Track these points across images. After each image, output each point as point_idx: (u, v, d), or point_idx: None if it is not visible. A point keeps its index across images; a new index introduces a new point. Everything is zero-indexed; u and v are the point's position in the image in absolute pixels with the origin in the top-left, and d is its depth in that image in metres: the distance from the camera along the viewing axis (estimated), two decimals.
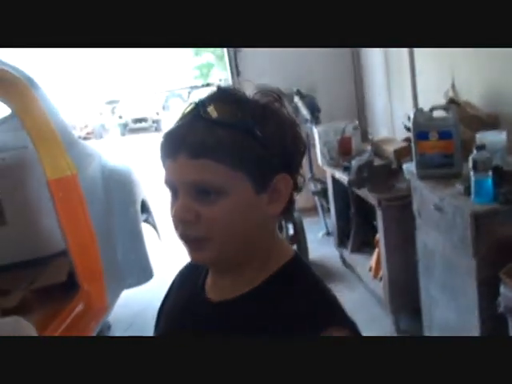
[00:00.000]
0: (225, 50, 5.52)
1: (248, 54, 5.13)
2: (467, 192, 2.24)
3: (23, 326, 2.46)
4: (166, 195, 0.90)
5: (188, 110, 0.87)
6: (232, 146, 0.82)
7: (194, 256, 0.89)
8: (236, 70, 5.26)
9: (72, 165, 2.88)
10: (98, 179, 3.38)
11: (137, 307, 4.08)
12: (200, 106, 0.85)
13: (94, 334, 3.21)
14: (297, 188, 0.92)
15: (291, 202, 0.92)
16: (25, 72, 2.99)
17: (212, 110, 0.83)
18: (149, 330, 3.65)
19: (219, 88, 0.88)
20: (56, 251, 3.21)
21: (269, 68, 4.88)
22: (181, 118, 0.87)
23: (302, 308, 0.85)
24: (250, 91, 0.89)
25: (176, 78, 23.88)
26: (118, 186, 3.55)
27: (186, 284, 1.03)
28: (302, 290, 0.88)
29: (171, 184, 0.87)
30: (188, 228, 0.85)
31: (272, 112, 0.87)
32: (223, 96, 0.86)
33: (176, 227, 0.87)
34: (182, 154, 0.83)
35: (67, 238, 2.88)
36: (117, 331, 3.79)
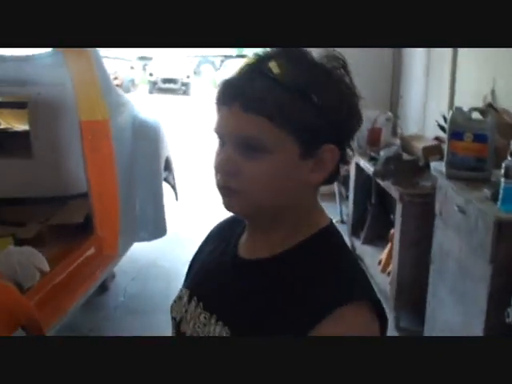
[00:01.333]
0: None
1: None
2: (494, 198, 2.23)
3: (37, 259, 2.52)
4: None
5: (249, 61, 0.86)
6: (287, 107, 0.81)
7: (226, 203, 0.88)
8: None
9: (106, 110, 2.89)
10: (128, 129, 3.39)
11: (143, 262, 4.14)
12: (262, 59, 0.84)
13: (100, 280, 3.27)
14: (344, 161, 0.91)
15: (336, 173, 0.91)
16: None
17: (274, 67, 0.82)
18: (150, 286, 3.69)
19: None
20: (77, 192, 3.24)
21: None
22: (241, 69, 0.86)
23: (329, 277, 0.85)
24: (315, 54, 0.87)
25: None
26: (146, 139, 3.56)
27: (222, 238, 1.03)
28: (333, 258, 0.88)
29: (219, 133, 0.87)
30: (227, 179, 0.85)
31: (334, 80, 0.86)
32: (288, 54, 0.85)
33: (216, 175, 0.88)
34: (237, 104, 0.82)
35: (90, 181, 2.91)
36: (120, 282, 3.85)
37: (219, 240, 1.04)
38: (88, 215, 3.08)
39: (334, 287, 0.84)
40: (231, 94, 0.84)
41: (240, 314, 0.89)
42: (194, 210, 5.34)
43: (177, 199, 4.22)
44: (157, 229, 3.67)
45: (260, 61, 0.84)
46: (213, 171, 0.89)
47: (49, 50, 3.40)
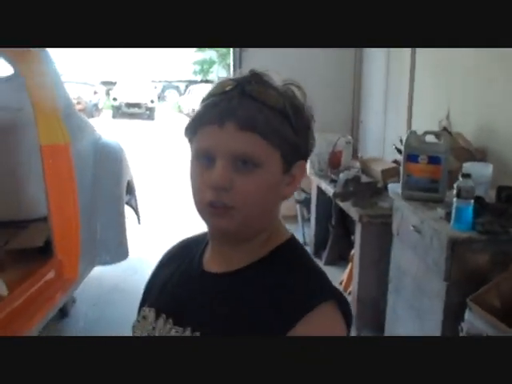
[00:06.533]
0: (231, 48, 5.58)
1: (253, 55, 5.18)
2: (447, 218, 2.31)
3: None
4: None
5: (227, 85, 0.92)
6: (274, 125, 0.90)
7: (218, 223, 0.92)
8: (239, 70, 5.31)
9: (66, 134, 2.89)
10: (89, 153, 3.38)
11: (105, 287, 4.08)
12: (240, 84, 0.91)
13: (60, 305, 3.22)
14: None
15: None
16: None
17: (255, 91, 0.91)
18: (111, 311, 3.61)
19: (258, 72, 0.94)
20: (37, 216, 3.20)
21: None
22: (221, 92, 0.92)
23: (300, 282, 0.92)
24: (277, 79, 0.95)
25: (175, 70, 23.85)
26: (108, 163, 3.55)
27: (180, 260, 1.06)
28: (301, 266, 0.96)
29: (208, 151, 0.90)
30: (219, 195, 0.89)
31: (301, 104, 0.95)
32: (259, 80, 0.93)
33: (201, 194, 0.91)
34: (231, 123, 0.88)
35: (50, 205, 2.88)
36: (81, 308, 3.79)
37: (180, 260, 1.07)
38: (48, 239, 3.04)
39: (303, 292, 0.90)
40: (223, 114, 0.89)
41: (215, 324, 0.92)
42: (156, 234, 5.32)
43: (139, 222, 4.20)
44: (118, 252, 3.64)
45: (239, 85, 0.91)
46: (197, 190, 0.92)
47: (8, 73, 3.40)
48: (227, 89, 0.92)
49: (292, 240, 1.00)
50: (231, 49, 5.57)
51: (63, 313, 3.51)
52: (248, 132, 0.88)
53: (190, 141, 0.95)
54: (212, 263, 0.99)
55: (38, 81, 2.79)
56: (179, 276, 1.04)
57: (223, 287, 0.96)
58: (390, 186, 3.14)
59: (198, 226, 1.06)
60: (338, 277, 3.91)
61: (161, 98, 23.16)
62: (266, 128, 0.89)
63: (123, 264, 3.83)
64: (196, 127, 0.92)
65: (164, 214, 5.85)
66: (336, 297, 0.92)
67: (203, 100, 0.95)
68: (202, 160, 0.91)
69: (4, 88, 3.42)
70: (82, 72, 21.06)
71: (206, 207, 0.91)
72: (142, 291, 1.13)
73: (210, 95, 0.94)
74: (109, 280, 4.14)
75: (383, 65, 4.75)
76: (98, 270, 3.76)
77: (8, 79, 3.44)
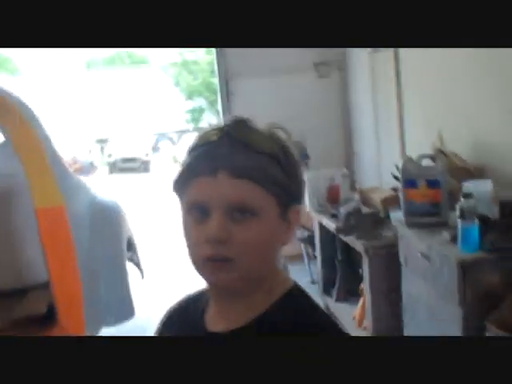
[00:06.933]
0: (218, 95, 5.60)
1: (241, 100, 5.21)
2: (454, 240, 2.26)
3: None
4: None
5: (213, 134, 0.89)
6: (269, 171, 0.87)
7: (218, 277, 0.87)
8: (229, 116, 5.33)
9: (61, 196, 2.87)
10: (86, 213, 3.36)
11: None
12: (226, 131, 0.88)
13: None
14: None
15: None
16: (22, 100, 3.00)
17: (247, 138, 0.87)
18: None
19: (242, 119, 0.91)
20: (37, 282, 3.15)
21: (260, 115, 4.93)
22: (208, 142, 0.88)
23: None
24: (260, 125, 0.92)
25: (167, 121, 24.15)
26: (105, 221, 3.53)
27: (184, 321, 1.01)
28: (309, 315, 0.91)
29: (202, 203, 0.86)
30: (217, 248, 0.85)
31: (288, 147, 0.92)
32: (250, 126, 0.90)
33: (198, 249, 0.87)
34: (223, 172, 0.85)
35: (50, 270, 2.84)
36: None
37: (181, 324, 1.01)
38: (50, 305, 2.98)
39: None
40: (214, 163, 0.86)
41: None
42: (163, 290, 5.23)
43: (142, 277, 4.14)
44: (124, 311, 3.57)
45: (226, 133, 0.88)
46: (193, 245, 0.88)
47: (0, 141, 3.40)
48: (214, 138, 0.88)
49: (297, 287, 0.95)
50: (219, 96, 5.59)
51: None
52: (242, 179, 0.85)
53: (180, 195, 0.91)
54: (216, 321, 0.94)
55: (27, 145, 2.79)
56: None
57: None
58: (393, 214, 3.10)
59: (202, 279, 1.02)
60: (350, 312, 3.82)
61: (155, 149, 23.32)
62: (259, 174, 0.86)
63: (131, 324, 3.74)
64: (186, 180, 0.88)
65: (169, 269, 5.77)
66: None
67: (190, 151, 0.91)
68: (196, 213, 0.87)
69: None
70: (74, 132, 21.30)
71: (204, 262, 0.87)
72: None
73: (197, 146, 0.90)
74: None
75: (369, 91, 4.77)
76: (104, 332, 3.67)
77: (1, 146, 3.45)
